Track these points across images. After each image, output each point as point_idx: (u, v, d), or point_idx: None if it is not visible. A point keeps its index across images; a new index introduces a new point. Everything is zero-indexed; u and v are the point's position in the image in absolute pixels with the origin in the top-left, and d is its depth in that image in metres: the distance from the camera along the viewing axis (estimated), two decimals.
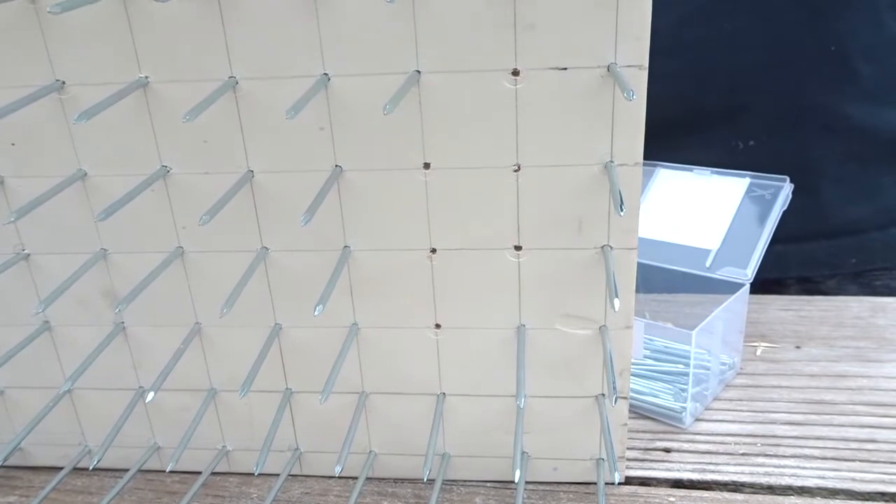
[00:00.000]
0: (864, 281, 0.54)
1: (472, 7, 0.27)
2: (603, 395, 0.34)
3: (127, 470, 0.37)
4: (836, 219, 0.47)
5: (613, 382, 0.29)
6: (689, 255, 0.44)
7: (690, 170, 0.47)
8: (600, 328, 0.32)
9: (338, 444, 0.33)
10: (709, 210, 0.45)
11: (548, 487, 0.36)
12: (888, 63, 0.48)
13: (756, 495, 0.35)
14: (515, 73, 0.28)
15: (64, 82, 0.30)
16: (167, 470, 0.34)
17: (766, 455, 0.37)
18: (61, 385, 0.33)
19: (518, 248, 0.31)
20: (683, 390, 0.40)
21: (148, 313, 0.35)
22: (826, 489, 0.35)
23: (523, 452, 0.36)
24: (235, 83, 0.29)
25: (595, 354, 0.33)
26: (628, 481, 0.36)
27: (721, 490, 0.35)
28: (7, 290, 0.35)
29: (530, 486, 0.36)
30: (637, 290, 0.32)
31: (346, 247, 0.32)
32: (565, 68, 0.28)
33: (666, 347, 0.43)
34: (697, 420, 0.40)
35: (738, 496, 0.34)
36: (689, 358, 0.39)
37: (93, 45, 0.30)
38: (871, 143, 0.50)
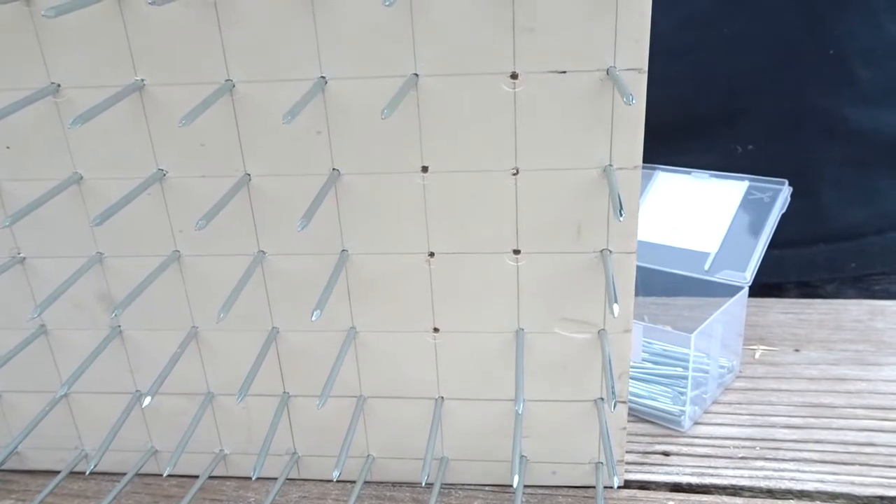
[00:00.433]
0: (864, 286, 0.54)
1: (470, 10, 0.27)
2: (602, 398, 0.34)
3: (124, 474, 0.37)
4: (834, 223, 0.47)
5: (612, 386, 0.29)
6: (688, 259, 0.44)
7: (689, 173, 0.47)
8: (599, 332, 0.32)
9: (336, 447, 0.33)
10: (707, 213, 0.45)
11: (546, 491, 0.36)
12: (887, 66, 0.48)
13: (755, 499, 0.34)
14: (514, 76, 0.28)
15: (59, 85, 0.30)
16: (164, 474, 0.34)
17: (766, 459, 0.37)
18: (58, 389, 0.33)
19: (517, 251, 0.31)
20: (682, 394, 0.40)
21: (144, 317, 0.35)
22: (825, 493, 0.34)
23: (522, 456, 0.35)
24: (232, 86, 0.29)
25: (594, 358, 0.33)
26: (627, 485, 0.36)
27: (720, 494, 0.35)
28: (3, 293, 0.35)
29: (529, 490, 0.36)
30: (636, 294, 0.32)
31: (343, 250, 0.32)
32: (564, 72, 0.28)
33: (665, 351, 0.43)
34: (696, 423, 0.40)
35: (738, 500, 0.34)
36: (687, 361, 0.39)
37: (88, 47, 0.29)
38: (869, 147, 0.50)
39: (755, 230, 0.43)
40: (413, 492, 0.36)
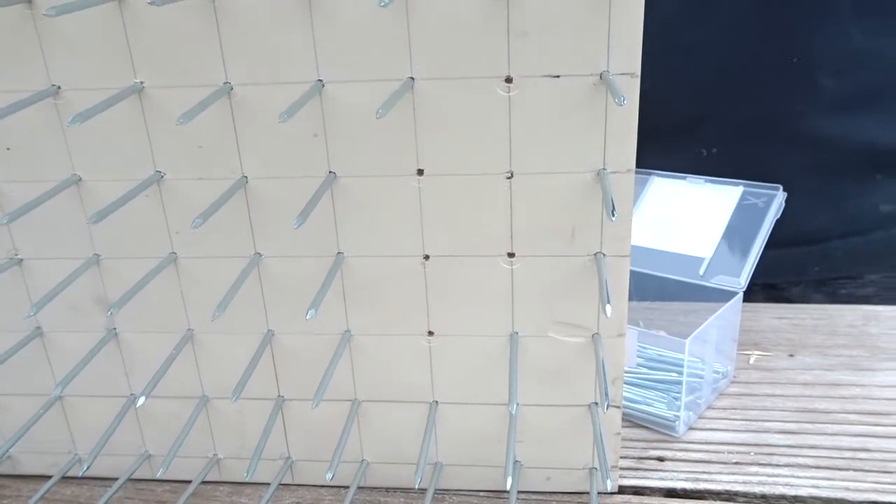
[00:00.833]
0: (829, 289, 0.55)
1: (465, 14, 0.27)
2: (596, 403, 0.34)
3: (117, 479, 0.36)
4: (799, 227, 0.47)
5: (606, 390, 0.29)
6: (683, 264, 0.44)
7: (684, 178, 0.47)
8: (593, 336, 0.32)
9: (329, 452, 0.33)
10: (702, 218, 0.45)
11: (541, 497, 0.36)
12: (851, 75, 0.49)
13: None
14: (509, 80, 0.28)
15: (59, 87, 0.30)
16: (157, 475, 0.33)
17: (760, 464, 0.37)
18: (52, 391, 0.33)
19: (511, 255, 0.31)
20: (677, 399, 0.40)
21: (140, 319, 0.35)
22: (820, 498, 0.34)
23: (516, 461, 0.35)
24: (230, 89, 0.30)
25: (588, 362, 0.33)
26: (621, 490, 0.36)
27: (715, 499, 0.35)
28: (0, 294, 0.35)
29: (523, 496, 0.36)
30: (630, 299, 0.32)
31: (339, 253, 0.32)
32: (558, 76, 0.28)
33: (659, 356, 0.43)
34: (691, 429, 0.40)
35: None
36: (682, 366, 0.39)
37: (88, 49, 0.30)
38: (833, 154, 0.51)
39: (749, 235, 0.43)
40: (407, 497, 0.36)
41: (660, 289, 0.44)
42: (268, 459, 0.37)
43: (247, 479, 0.32)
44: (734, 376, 0.44)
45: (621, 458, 0.36)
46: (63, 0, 0.28)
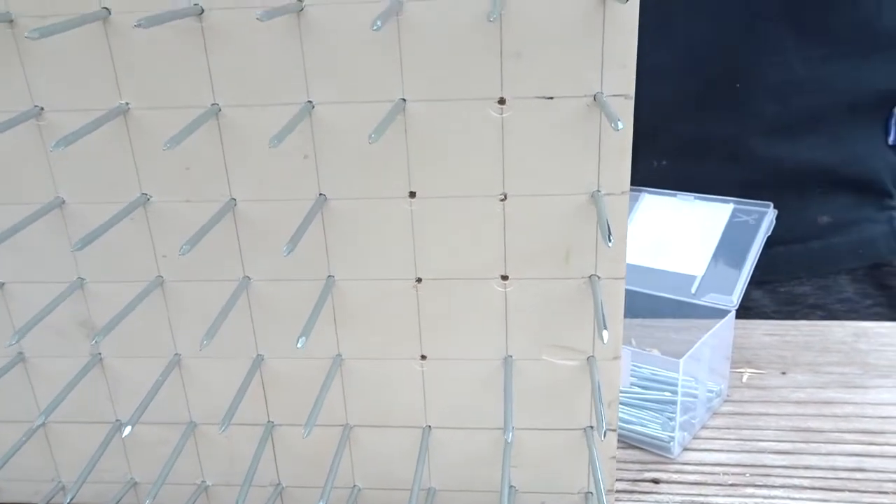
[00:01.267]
0: (770, 287, 0.60)
1: (458, 35, 0.27)
2: (591, 427, 0.33)
3: None
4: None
5: (602, 414, 0.29)
6: (675, 282, 0.44)
7: (675, 195, 0.47)
8: (588, 359, 0.32)
9: (321, 478, 0.32)
10: (693, 236, 0.45)
11: None
12: (790, 102, 0.55)
13: None
14: (501, 101, 0.28)
15: (42, 108, 0.30)
16: None
17: (756, 485, 0.37)
18: (35, 418, 0.32)
19: (505, 277, 0.31)
20: (671, 419, 0.40)
21: (126, 344, 0.34)
22: None
23: (511, 486, 0.35)
24: (218, 110, 0.29)
25: (583, 386, 0.32)
26: None
27: None
28: None
29: None
30: (623, 317, 0.32)
31: (330, 276, 0.32)
32: (552, 97, 0.28)
33: (653, 375, 0.43)
34: (686, 449, 0.40)
35: None
36: (676, 385, 0.39)
37: (72, 70, 0.29)
38: (770, 173, 0.57)
39: (741, 253, 0.43)
40: None
41: (652, 306, 0.44)
42: (258, 486, 0.36)
43: None
44: (727, 395, 0.44)
45: (616, 480, 0.36)
46: (46, 20, 0.28)
